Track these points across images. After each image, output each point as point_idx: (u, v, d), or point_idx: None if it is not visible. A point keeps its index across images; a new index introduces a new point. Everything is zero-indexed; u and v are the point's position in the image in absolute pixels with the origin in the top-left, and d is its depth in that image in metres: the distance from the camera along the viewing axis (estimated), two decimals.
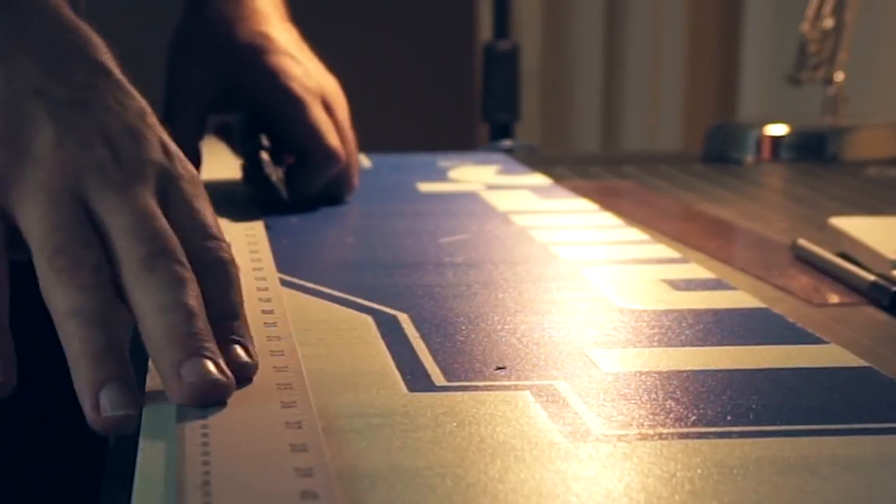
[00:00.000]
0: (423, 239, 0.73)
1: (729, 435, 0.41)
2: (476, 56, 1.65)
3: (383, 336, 0.52)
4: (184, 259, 0.45)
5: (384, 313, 0.56)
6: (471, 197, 0.88)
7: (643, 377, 0.47)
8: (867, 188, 0.97)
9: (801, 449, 0.40)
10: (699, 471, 0.38)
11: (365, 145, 0.89)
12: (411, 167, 1.01)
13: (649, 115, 2.08)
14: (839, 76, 1.16)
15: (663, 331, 0.54)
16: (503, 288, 0.61)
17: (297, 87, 0.79)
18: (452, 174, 0.98)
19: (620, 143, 2.10)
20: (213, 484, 0.35)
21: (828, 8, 1.13)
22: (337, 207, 0.82)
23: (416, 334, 0.52)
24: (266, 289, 0.56)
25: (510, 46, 1.56)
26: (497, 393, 0.45)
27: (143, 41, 0.85)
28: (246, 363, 0.44)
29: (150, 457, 0.39)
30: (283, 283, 0.59)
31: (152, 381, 0.44)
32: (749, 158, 1.11)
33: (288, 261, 0.64)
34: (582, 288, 0.61)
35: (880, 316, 0.58)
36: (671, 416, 0.43)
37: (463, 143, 1.55)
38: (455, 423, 0.42)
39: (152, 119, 0.50)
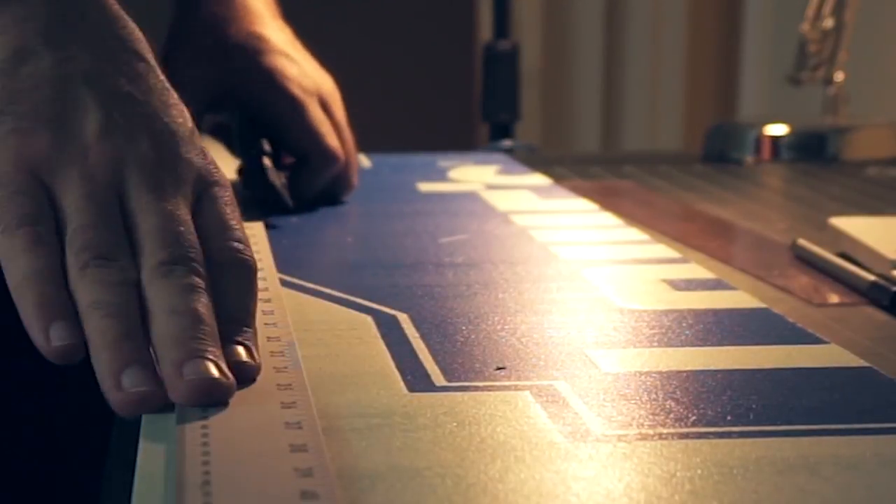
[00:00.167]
0: (423, 239, 0.73)
1: (729, 435, 0.41)
2: (476, 56, 1.65)
3: (383, 336, 0.52)
4: (201, 268, 0.46)
5: (384, 313, 0.56)
6: (471, 197, 0.88)
7: (643, 377, 0.47)
8: (867, 188, 0.97)
9: (801, 449, 0.40)
10: (699, 471, 0.38)
11: (365, 145, 0.89)
12: (411, 167, 1.01)
13: (649, 115, 2.08)
14: (839, 76, 1.15)
15: (663, 331, 0.54)
16: (503, 288, 0.61)
17: (293, 88, 0.79)
18: (452, 174, 0.98)
19: (620, 143, 2.10)
20: (213, 484, 0.35)
21: (828, 8, 1.13)
22: (337, 207, 0.82)
23: (416, 334, 0.52)
24: (266, 289, 0.56)
25: (510, 46, 1.56)
26: (497, 393, 0.45)
27: None
28: (247, 363, 0.44)
29: (150, 457, 0.39)
30: (283, 283, 0.59)
31: None
32: (749, 158, 1.11)
33: (288, 261, 0.64)
34: (582, 288, 0.61)
35: (880, 316, 0.58)
36: (671, 416, 0.43)
37: (463, 143, 1.55)
38: (455, 424, 0.42)
39: (191, 121, 0.51)
